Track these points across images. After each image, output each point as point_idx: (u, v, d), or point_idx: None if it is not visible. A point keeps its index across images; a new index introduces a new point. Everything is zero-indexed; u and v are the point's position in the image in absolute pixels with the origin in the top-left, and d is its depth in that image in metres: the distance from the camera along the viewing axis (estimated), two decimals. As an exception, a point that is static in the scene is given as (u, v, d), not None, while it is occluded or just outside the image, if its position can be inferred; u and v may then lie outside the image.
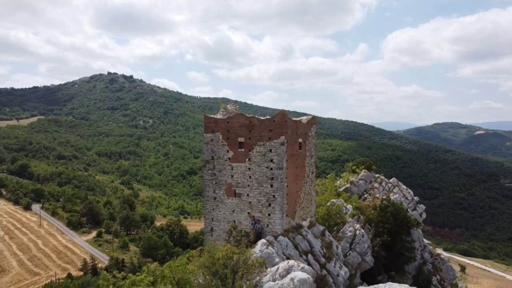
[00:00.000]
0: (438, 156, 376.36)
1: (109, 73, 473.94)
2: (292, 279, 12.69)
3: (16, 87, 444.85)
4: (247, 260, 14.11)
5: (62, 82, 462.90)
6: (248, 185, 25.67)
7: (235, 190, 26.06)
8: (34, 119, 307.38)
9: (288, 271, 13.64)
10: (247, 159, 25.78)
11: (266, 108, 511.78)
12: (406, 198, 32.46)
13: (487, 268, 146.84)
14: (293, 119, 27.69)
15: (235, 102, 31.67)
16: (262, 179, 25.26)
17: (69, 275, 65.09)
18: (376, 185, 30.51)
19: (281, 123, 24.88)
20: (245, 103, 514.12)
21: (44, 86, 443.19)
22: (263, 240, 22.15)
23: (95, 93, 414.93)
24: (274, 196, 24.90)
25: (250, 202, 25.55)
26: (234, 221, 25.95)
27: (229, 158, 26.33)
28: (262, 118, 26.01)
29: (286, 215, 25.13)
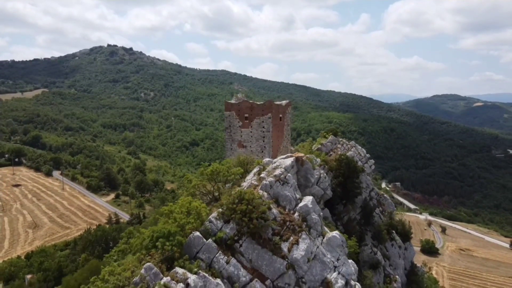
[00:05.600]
0: (434, 127, 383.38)
1: (109, 45, 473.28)
2: (264, 160, 28.05)
3: (15, 59, 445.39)
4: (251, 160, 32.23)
5: (62, 54, 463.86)
6: (250, 141, 43.12)
7: (243, 143, 43.50)
8: (38, 91, 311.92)
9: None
10: (250, 126, 43.22)
11: (266, 81, 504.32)
12: (360, 154, 44.08)
13: (467, 231, 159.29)
14: (276, 103, 45.39)
15: (243, 94, 46.35)
16: (258, 137, 42.85)
17: (99, 225, 77.66)
18: (339, 146, 42.29)
19: (269, 106, 42.88)
20: (245, 76, 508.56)
21: (44, 59, 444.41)
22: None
23: (95, 66, 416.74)
24: (265, 147, 42.63)
25: (251, 151, 42.62)
26: None
27: (240, 126, 43.91)
28: (258, 103, 43.78)
29: (272, 158, 38.52)
